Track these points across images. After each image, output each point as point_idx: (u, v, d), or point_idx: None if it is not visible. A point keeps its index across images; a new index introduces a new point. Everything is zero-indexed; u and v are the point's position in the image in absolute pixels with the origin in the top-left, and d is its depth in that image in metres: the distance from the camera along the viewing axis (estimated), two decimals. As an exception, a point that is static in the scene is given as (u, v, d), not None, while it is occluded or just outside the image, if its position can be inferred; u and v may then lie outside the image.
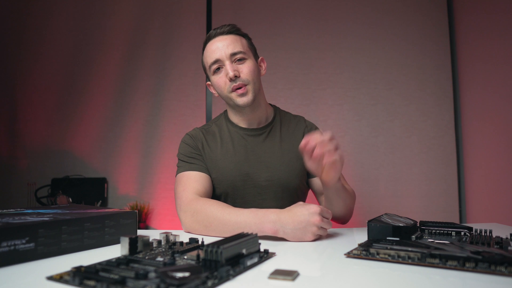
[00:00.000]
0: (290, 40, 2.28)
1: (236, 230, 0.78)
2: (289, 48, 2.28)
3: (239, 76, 0.98)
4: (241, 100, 0.99)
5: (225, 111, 1.14)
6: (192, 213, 0.87)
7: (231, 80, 0.98)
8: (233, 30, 1.04)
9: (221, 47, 1.00)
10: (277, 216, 0.76)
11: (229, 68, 0.98)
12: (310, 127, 1.14)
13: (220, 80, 1.01)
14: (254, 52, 1.07)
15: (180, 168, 1.03)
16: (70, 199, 2.07)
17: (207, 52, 1.03)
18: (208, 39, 1.04)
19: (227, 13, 2.33)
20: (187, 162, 1.03)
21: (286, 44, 2.28)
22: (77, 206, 0.88)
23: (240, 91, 0.98)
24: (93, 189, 2.32)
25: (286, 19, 2.31)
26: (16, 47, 2.55)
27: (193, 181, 0.98)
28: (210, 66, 1.02)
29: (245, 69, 1.00)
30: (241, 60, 1.00)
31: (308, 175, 1.11)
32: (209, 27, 2.32)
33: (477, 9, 2.14)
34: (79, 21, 2.50)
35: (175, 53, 2.39)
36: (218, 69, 1.01)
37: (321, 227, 0.76)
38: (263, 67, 1.10)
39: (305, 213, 0.75)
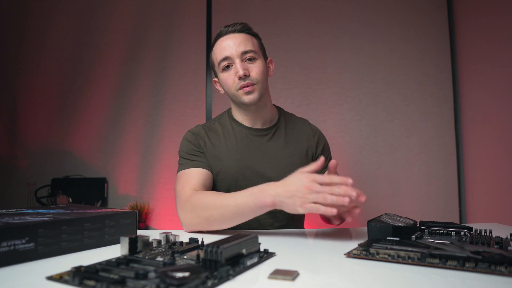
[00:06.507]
0: (290, 40, 2.28)
1: (236, 213, 0.79)
2: (289, 48, 2.28)
3: (249, 75, 0.99)
4: (247, 98, 0.99)
5: (229, 110, 1.14)
6: (191, 209, 0.87)
7: (240, 78, 0.98)
8: (245, 29, 1.03)
9: (232, 45, 0.99)
10: (274, 190, 0.75)
11: (239, 67, 0.98)
12: (315, 132, 1.15)
13: (229, 78, 1.01)
14: (263, 52, 1.07)
15: (182, 166, 1.02)
16: (70, 199, 2.07)
17: (217, 49, 1.03)
18: (218, 36, 1.04)
19: (227, 13, 2.33)
20: (188, 159, 1.02)
21: (286, 44, 2.28)
22: (77, 206, 0.88)
23: (246, 89, 0.99)
24: (93, 189, 2.32)
25: (286, 19, 2.31)
26: (16, 47, 2.55)
27: (193, 178, 0.98)
28: (219, 63, 1.02)
29: (255, 68, 1.00)
30: (251, 59, 1.00)
31: None
32: (209, 27, 2.32)
33: (477, 9, 2.14)
34: (79, 21, 2.50)
35: (175, 53, 2.38)
36: (227, 66, 1.01)
37: (313, 202, 0.68)
38: (271, 68, 1.10)
39: (295, 180, 0.72)
